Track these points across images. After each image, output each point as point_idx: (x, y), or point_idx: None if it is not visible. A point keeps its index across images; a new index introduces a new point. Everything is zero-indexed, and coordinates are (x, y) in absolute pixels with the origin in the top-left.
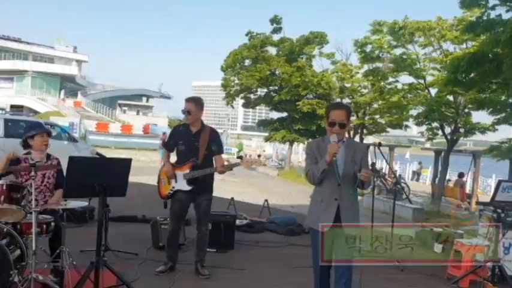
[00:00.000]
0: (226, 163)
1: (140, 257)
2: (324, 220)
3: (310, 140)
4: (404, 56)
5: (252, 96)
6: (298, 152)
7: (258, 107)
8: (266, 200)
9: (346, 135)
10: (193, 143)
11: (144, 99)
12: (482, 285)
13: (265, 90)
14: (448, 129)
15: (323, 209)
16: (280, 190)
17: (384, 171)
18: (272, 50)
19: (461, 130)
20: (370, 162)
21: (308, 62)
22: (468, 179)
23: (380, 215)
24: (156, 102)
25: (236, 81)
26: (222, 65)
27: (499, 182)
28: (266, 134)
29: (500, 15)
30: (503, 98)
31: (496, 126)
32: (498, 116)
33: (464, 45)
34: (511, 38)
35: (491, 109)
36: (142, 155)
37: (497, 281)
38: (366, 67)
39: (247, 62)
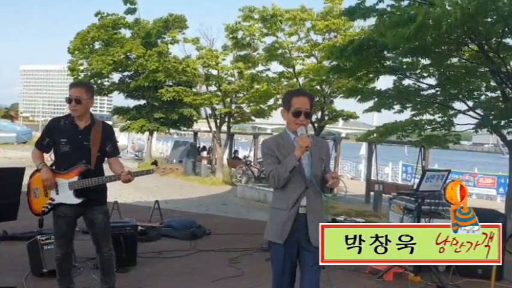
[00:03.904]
0: (132, 170)
1: None
2: (286, 231)
3: (171, 129)
4: (276, 45)
5: (104, 82)
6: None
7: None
8: (157, 201)
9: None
10: (81, 142)
11: None
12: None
13: (120, 75)
14: (313, 117)
15: (286, 219)
16: (146, 185)
17: (248, 159)
18: (126, 33)
19: (326, 117)
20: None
21: (167, 47)
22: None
23: (255, 204)
24: None
25: (85, 66)
26: (68, 46)
27: (424, 172)
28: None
29: (376, 3)
30: (371, 86)
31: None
32: (370, 104)
33: (327, 35)
34: (395, 24)
35: (359, 97)
36: None
37: (420, 270)
38: (231, 55)
39: (98, 45)
